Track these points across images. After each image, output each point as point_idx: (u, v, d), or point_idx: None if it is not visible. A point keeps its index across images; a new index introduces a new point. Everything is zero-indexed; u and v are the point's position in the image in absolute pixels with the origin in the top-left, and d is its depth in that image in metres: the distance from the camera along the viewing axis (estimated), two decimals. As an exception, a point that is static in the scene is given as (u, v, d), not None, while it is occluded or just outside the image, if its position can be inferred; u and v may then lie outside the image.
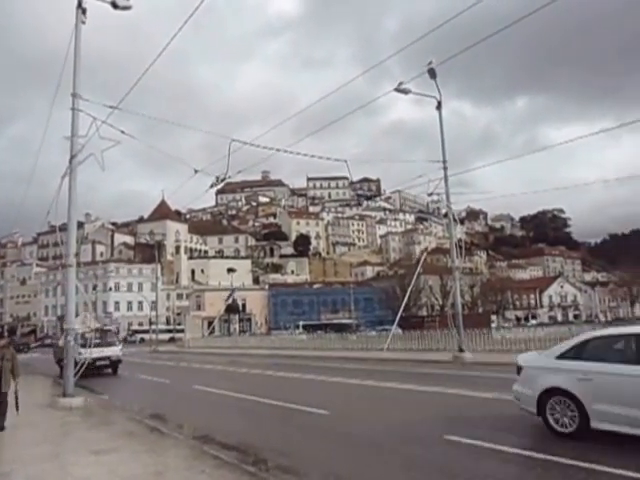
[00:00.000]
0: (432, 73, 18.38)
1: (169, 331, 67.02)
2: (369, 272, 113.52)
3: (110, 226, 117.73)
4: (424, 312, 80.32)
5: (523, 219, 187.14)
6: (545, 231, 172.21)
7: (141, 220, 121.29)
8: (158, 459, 6.60)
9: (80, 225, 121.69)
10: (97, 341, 19.09)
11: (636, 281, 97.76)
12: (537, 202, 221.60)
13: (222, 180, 15.52)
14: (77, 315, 20.46)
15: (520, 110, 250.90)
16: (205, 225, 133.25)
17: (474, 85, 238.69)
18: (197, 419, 9.73)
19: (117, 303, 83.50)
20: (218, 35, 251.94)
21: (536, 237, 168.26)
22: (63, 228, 12.89)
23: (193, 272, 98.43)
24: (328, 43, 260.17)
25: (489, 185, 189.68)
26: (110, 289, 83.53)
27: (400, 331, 32.96)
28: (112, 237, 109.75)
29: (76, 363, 17.49)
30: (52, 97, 15.78)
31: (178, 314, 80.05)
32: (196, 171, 15.46)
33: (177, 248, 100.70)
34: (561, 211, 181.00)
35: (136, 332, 70.09)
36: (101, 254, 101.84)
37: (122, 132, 12.36)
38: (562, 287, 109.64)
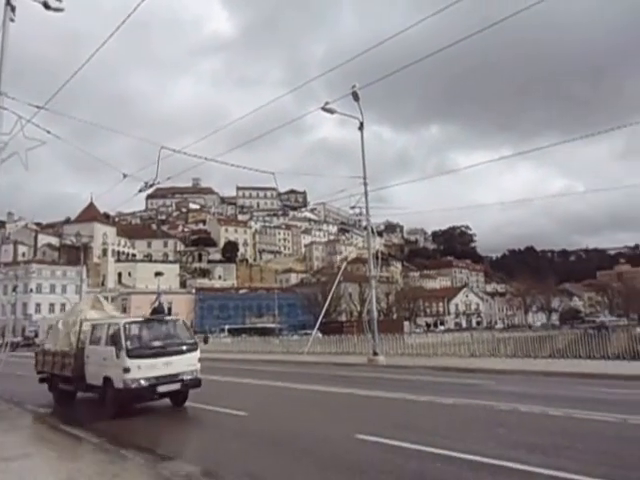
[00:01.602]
0: (355, 96, 18.95)
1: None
2: (293, 279, 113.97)
3: (34, 226, 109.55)
4: (343, 318, 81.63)
5: (435, 234, 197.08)
6: (454, 245, 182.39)
7: (67, 221, 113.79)
8: (71, 465, 6.15)
9: (1, 224, 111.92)
10: (157, 344, 10.02)
11: (529, 292, 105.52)
12: (447, 219, 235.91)
13: (151, 185, 14.96)
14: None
15: (433, 136, 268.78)
16: (134, 229, 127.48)
17: (392, 111, 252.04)
18: (114, 424, 9.16)
19: (38, 305, 77.23)
20: (154, 48, 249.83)
21: (446, 250, 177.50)
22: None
23: (120, 275, 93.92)
24: (260, 65, 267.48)
25: (405, 202, 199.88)
26: (31, 290, 77.22)
27: (320, 335, 33.26)
28: (36, 238, 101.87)
29: (111, 388, 9.48)
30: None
31: (101, 317, 75.55)
32: (125, 175, 14.79)
33: (104, 251, 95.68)
34: (468, 228, 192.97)
35: None
36: (23, 254, 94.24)
37: (48, 132, 11.58)
38: (467, 296, 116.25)
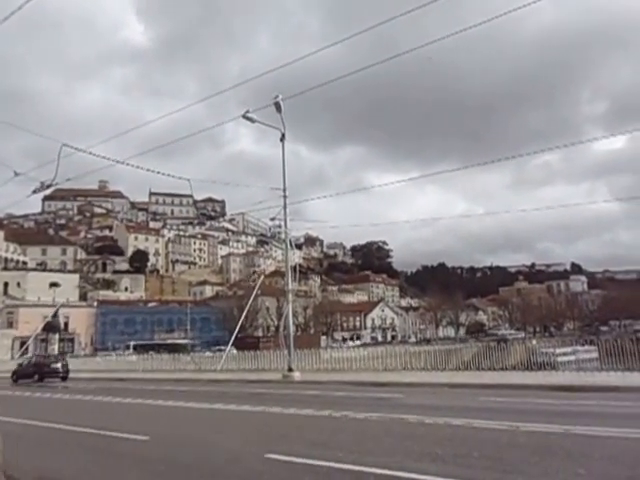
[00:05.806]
0: (278, 106, 19.13)
1: (-33, 354, 56.88)
2: (208, 292, 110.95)
3: None
4: (260, 333, 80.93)
5: (354, 248, 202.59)
6: (371, 260, 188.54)
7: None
8: None
9: None
10: None
11: (440, 307, 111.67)
12: (365, 234, 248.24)
13: (48, 186, 13.93)
14: None
15: (348, 157, 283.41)
16: (26, 233, 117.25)
17: (309, 132, 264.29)
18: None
19: None
20: (63, 48, 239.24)
21: (364, 265, 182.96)
22: None
23: (6, 285, 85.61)
24: (174, 80, 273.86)
25: (323, 217, 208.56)
26: None
27: (235, 351, 32.77)
28: None
29: None
30: None
31: (-18, 334, 68.10)
32: (16, 173, 13.62)
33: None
34: (385, 243, 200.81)
35: None
36: None
37: None
38: (383, 311, 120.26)
